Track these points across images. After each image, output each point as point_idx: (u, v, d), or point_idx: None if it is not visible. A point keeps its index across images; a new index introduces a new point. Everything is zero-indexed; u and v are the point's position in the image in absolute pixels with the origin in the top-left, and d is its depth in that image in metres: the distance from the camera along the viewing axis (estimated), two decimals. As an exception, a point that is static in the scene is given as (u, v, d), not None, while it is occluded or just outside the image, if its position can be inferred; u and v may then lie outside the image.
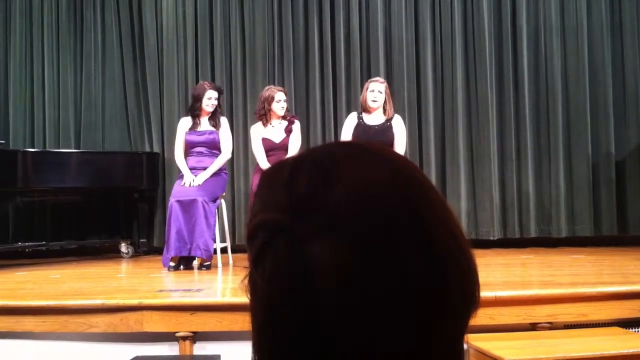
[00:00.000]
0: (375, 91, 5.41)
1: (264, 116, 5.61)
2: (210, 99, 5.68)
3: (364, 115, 5.47)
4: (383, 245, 0.56)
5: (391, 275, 0.56)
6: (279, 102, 5.55)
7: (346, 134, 5.51)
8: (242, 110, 7.12)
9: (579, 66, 6.78)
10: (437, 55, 7.01)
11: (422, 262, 0.57)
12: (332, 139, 6.80)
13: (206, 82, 6.00)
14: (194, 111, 5.77)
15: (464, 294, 0.60)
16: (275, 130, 5.62)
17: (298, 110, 6.86)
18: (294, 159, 0.63)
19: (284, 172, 0.61)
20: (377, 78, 5.75)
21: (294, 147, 5.55)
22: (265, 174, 0.65)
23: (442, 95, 6.98)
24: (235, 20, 7.20)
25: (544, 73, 6.85)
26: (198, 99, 5.72)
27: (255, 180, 5.47)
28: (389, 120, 5.42)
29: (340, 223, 0.56)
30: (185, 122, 5.83)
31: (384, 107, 5.43)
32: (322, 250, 0.56)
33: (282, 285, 0.57)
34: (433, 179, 6.65)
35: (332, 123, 6.96)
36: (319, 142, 6.91)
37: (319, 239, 0.56)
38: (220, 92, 5.82)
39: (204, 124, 5.75)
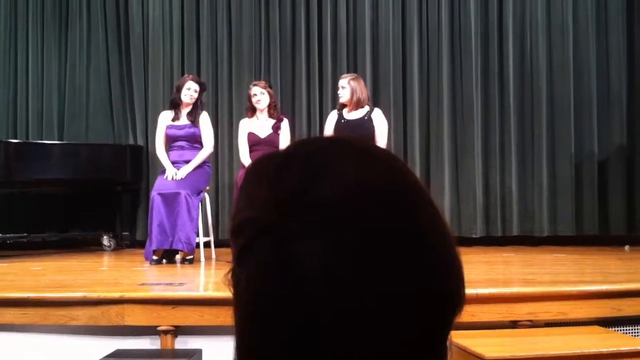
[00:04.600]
0: (340, 87, 5.53)
1: (249, 111, 5.77)
2: (189, 90, 5.65)
3: (344, 111, 5.53)
4: (375, 247, 0.55)
5: (383, 277, 0.54)
6: (255, 97, 5.67)
7: (328, 131, 5.59)
8: (227, 103, 7.10)
9: (564, 65, 6.82)
10: (423, 51, 7.03)
11: (413, 264, 0.56)
12: (317, 132, 6.80)
13: (190, 75, 6.00)
14: (174, 101, 5.75)
15: (451, 295, 0.59)
16: (261, 126, 5.68)
17: (284, 102, 6.84)
18: (281, 153, 0.62)
19: (271, 167, 0.60)
20: (345, 74, 5.83)
21: (285, 146, 5.56)
22: (251, 168, 0.63)
23: (428, 92, 6.99)
24: (222, 13, 7.17)
25: (529, 71, 6.89)
26: (178, 89, 5.72)
27: (241, 175, 5.47)
28: (368, 113, 5.47)
29: (330, 224, 0.54)
30: (165, 116, 5.80)
31: (357, 100, 5.44)
32: (310, 251, 0.54)
33: (265, 289, 0.56)
34: (417, 174, 6.61)
35: (318, 116, 6.96)
36: (305, 135, 6.91)
37: (308, 240, 0.54)
38: (202, 87, 5.77)
39: (184, 118, 5.72)
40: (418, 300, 0.56)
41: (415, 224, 0.58)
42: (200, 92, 5.74)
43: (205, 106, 6.00)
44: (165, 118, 5.78)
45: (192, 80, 5.74)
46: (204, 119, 5.77)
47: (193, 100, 5.69)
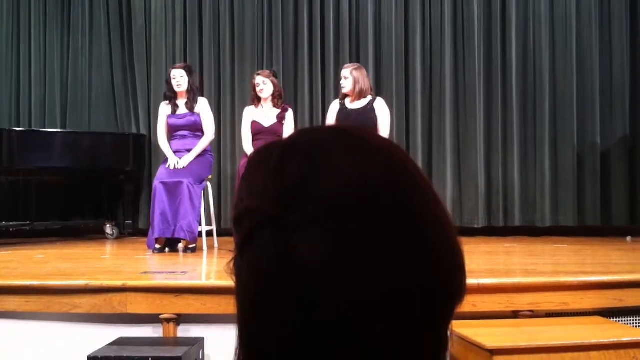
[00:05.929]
0: (342, 77, 5.52)
1: (254, 100, 5.76)
2: (174, 79, 5.66)
3: (347, 101, 5.52)
4: (375, 238, 0.54)
5: (383, 269, 0.54)
6: (258, 86, 5.68)
7: (330, 121, 5.58)
8: (230, 93, 7.09)
9: (567, 57, 6.80)
10: (426, 42, 7.01)
11: (413, 255, 0.56)
12: (320, 122, 6.79)
13: (172, 65, 6.05)
14: (168, 96, 5.77)
15: (452, 287, 0.59)
16: (266, 115, 5.70)
17: (286, 92, 6.80)
18: (283, 144, 0.61)
19: (273, 158, 0.59)
20: (347, 64, 5.80)
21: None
22: (253, 157, 0.63)
23: (430, 83, 6.98)
24: (224, 3, 7.15)
25: (532, 63, 6.87)
26: (167, 82, 5.77)
27: (243, 163, 5.48)
28: (371, 103, 5.46)
29: (331, 215, 0.54)
30: (164, 107, 5.81)
31: (360, 90, 5.43)
32: (311, 242, 0.54)
33: (265, 280, 0.56)
34: (419, 165, 6.61)
35: (320, 107, 6.95)
36: (307, 124, 6.89)
37: (307, 232, 0.54)
38: (187, 70, 5.73)
39: (182, 107, 5.72)
40: (419, 292, 0.56)
41: (416, 215, 0.57)
42: (189, 75, 5.70)
43: (198, 91, 5.94)
44: (165, 109, 5.79)
45: (175, 68, 5.74)
46: (203, 105, 5.76)
47: (184, 87, 5.68)
